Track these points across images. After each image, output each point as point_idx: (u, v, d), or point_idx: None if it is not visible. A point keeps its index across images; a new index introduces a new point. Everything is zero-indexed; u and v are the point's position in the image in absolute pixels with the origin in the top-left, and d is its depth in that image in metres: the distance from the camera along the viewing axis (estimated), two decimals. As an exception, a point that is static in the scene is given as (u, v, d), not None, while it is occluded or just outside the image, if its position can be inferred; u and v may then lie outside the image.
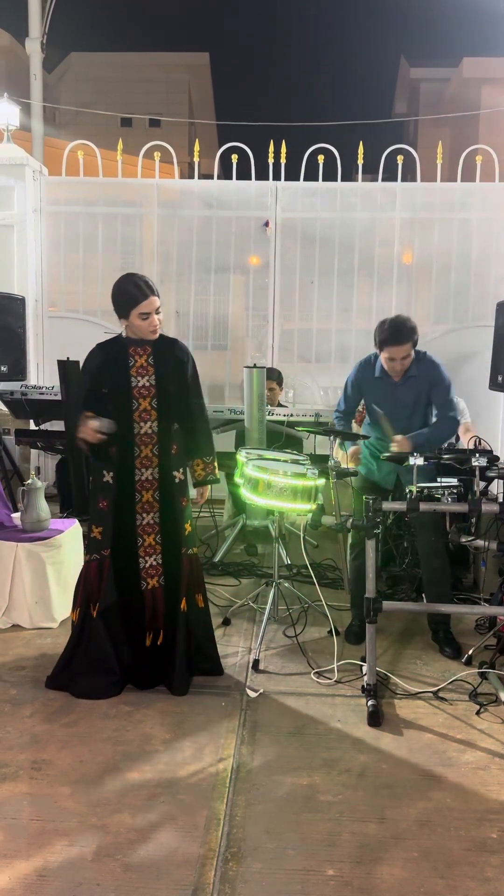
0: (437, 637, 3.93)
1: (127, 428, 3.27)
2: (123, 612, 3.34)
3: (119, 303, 3.23)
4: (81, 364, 3.48)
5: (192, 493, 3.49)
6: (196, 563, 3.43)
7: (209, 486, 3.47)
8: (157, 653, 3.35)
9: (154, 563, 3.36)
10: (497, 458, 3.40)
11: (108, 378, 3.29)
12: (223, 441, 5.90)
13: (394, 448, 3.73)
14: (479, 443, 3.80)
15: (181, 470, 3.37)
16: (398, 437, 3.76)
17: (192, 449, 3.40)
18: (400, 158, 6.39)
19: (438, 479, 3.44)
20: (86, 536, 3.45)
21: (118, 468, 3.30)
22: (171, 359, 3.33)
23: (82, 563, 4.32)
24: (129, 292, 3.20)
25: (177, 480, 3.35)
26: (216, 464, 3.45)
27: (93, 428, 3.18)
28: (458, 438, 5.19)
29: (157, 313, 3.24)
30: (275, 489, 3.59)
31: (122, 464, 3.29)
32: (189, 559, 3.37)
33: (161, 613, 3.36)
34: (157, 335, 3.29)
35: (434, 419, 3.93)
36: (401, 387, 3.89)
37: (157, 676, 3.36)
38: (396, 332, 3.73)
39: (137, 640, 3.35)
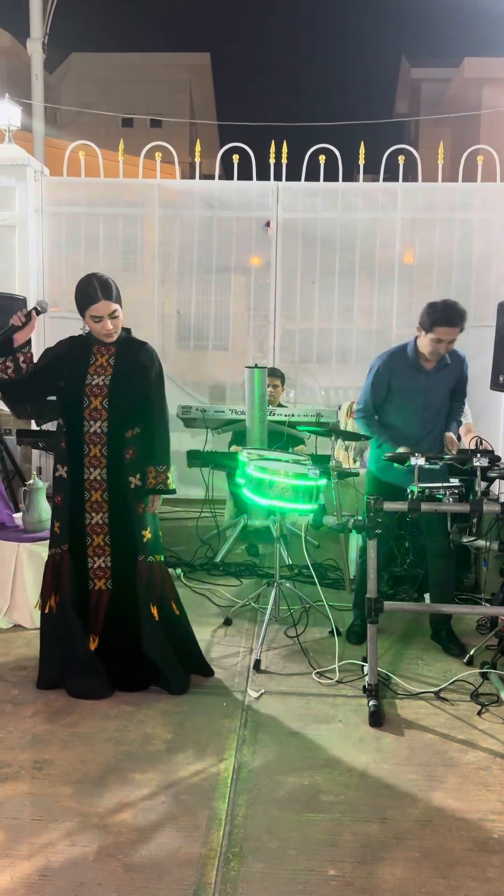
0: (439, 637, 3.93)
1: (77, 425, 3.25)
2: (80, 611, 3.31)
3: (76, 301, 3.24)
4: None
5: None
6: (159, 571, 3.33)
7: (160, 497, 3.35)
8: (107, 656, 3.30)
9: (102, 564, 3.31)
10: (498, 459, 3.40)
11: (66, 371, 3.27)
12: (224, 442, 5.91)
13: (451, 449, 3.71)
14: (481, 443, 3.80)
15: (138, 475, 3.28)
16: (450, 437, 3.77)
17: (147, 455, 3.30)
18: (401, 159, 6.39)
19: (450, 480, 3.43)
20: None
21: (69, 464, 3.29)
22: (134, 361, 3.29)
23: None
24: (86, 293, 3.19)
25: (132, 486, 3.27)
26: (169, 474, 3.32)
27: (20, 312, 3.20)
28: (459, 438, 5.19)
29: (113, 317, 3.18)
30: (276, 489, 3.59)
31: (72, 460, 3.27)
32: (149, 567, 3.30)
33: (101, 618, 3.30)
34: (113, 339, 3.25)
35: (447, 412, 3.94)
36: (434, 376, 3.84)
37: (119, 679, 3.32)
38: (452, 312, 3.67)
39: (83, 640, 3.31)
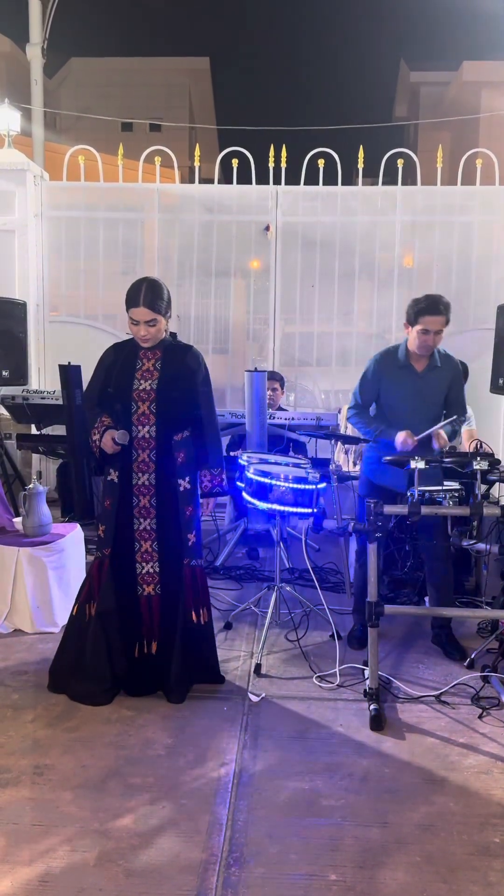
0: (440, 640, 3.93)
1: (126, 430, 3.26)
2: (120, 616, 3.31)
3: (125, 298, 3.25)
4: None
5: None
6: (199, 575, 3.36)
7: (213, 498, 3.42)
8: (152, 661, 3.32)
9: (151, 570, 3.32)
10: (498, 462, 3.40)
11: (114, 377, 3.29)
12: (223, 444, 5.92)
13: (437, 445, 3.66)
14: (481, 446, 3.80)
15: (187, 479, 3.30)
16: (438, 433, 3.69)
17: (199, 459, 3.34)
18: (400, 162, 6.41)
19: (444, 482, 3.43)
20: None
21: (120, 469, 3.30)
22: (180, 365, 3.29)
23: (83, 568, 4.37)
24: (131, 294, 3.21)
25: (181, 489, 3.29)
26: (224, 476, 3.39)
27: (112, 439, 3.18)
28: (460, 442, 5.19)
29: (150, 325, 3.18)
30: (276, 493, 3.59)
31: (122, 465, 3.29)
32: (192, 571, 3.32)
33: (156, 623, 3.32)
34: (148, 344, 3.25)
35: (444, 416, 3.92)
36: (424, 378, 3.84)
37: (151, 684, 3.32)
38: (435, 302, 3.73)
39: (135, 644, 3.33)
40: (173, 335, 3.42)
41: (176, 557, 3.31)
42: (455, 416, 3.77)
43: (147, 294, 3.17)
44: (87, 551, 4.61)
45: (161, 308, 3.21)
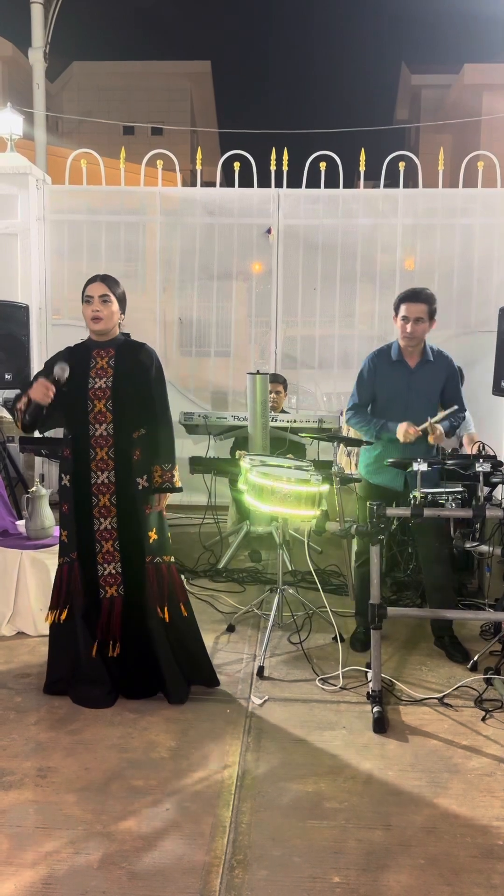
0: (442, 643, 3.92)
1: (82, 429, 3.24)
2: (89, 620, 3.29)
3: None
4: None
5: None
6: (167, 572, 3.30)
7: (167, 495, 3.33)
8: (120, 664, 3.29)
9: (113, 570, 3.28)
10: (501, 464, 3.40)
11: (70, 377, 3.24)
12: (226, 447, 5.92)
13: (432, 437, 3.66)
14: (483, 448, 3.80)
15: (145, 476, 3.27)
16: (433, 424, 3.66)
17: (152, 455, 3.30)
18: (402, 165, 6.41)
19: (442, 483, 3.43)
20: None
21: (74, 471, 3.28)
22: (134, 362, 3.29)
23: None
24: (88, 279, 3.29)
25: (140, 487, 3.26)
26: (175, 472, 3.31)
27: (45, 382, 3.11)
28: (461, 445, 5.19)
29: (104, 301, 3.21)
30: (279, 495, 3.59)
31: (78, 466, 3.26)
32: (156, 568, 3.27)
33: (117, 624, 3.27)
34: (100, 326, 3.23)
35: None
36: (417, 373, 3.85)
37: (138, 688, 3.30)
38: (415, 291, 3.83)
39: (99, 650, 3.29)
40: (126, 335, 3.41)
41: (138, 556, 3.28)
42: (455, 407, 3.77)
43: (104, 275, 3.29)
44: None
45: (115, 291, 3.26)
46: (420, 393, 3.85)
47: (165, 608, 3.27)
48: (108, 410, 3.23)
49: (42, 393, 3.11)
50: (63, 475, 3.32)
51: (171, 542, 3.42)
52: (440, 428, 3.69)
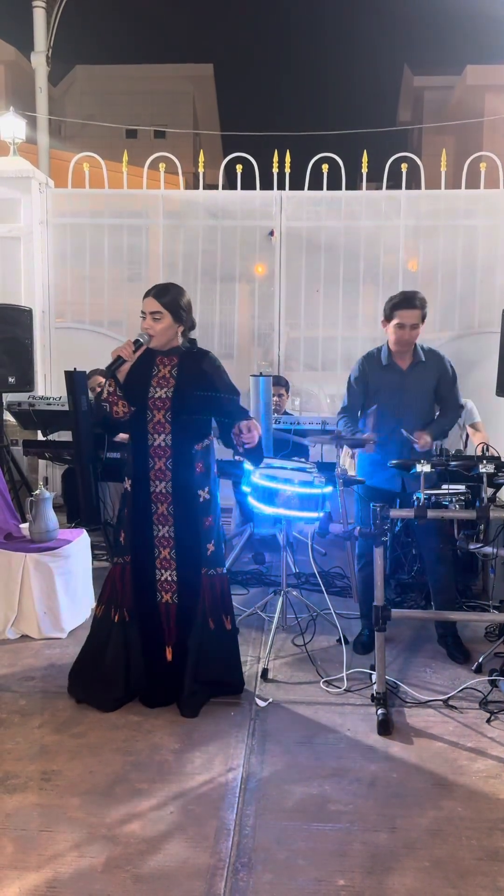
0: (445, 642, 3.92)
1: (142, 438, 3.24)
2: (142, 624, 3.30)
3: None
4: None
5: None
6: (218, 584, 3.32)
7: (253, 423, 3.23)
8: (170, 670, 3.29)
9: (169, 577, 3.30)
10: (504, 465, 3.39)
11: (129, 384, 3.27)
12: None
13: (419, 445, 3.66)
14: (487, 449, 3.79)
15: (206, 489, 3.27)
16: (419, 433, 3.69)
17: (226, 426, 3.26)
18: (404, 166, 6.41)
19: (444, 485, 3.42)
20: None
21: (134, 477, 3.29)
22: (197, 372, 3.26)
23: (90, 573, 4.37)
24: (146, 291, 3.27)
25: (200, 500, 3.26)
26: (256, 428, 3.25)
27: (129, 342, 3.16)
28: (467, 437, 5.19)
29: (156, 319, 3.19)
30: (282, 497, 3.59)
31: (138, 474, 3.27)
32: (210, 580, 3.28)
33: (174, 631, 3.30)
34: (153, 341, 3.22)
35: (438, 413, 3.92)
36: (409, 375, 3.85)
37: (168, 696, 3.28)
38: (409, 295, 3.79)
39: (154, 653, 3.31)
40: (192, 342, 3.37)
41: (194, 567, 3.28)
42: (447, 420, 3.77)
43: (158, 289, 3.24)
44: (94, 557, 4.62)
45: (169, 304, 3.21)
46: (414, 394, 3.85)
47: (217, 618, 3.29)
48: (167, 421, 3.21)
49: (127, 351, 3.15)
50: (126, 479, 3.32)
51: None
52: (426, 437, 3.69)
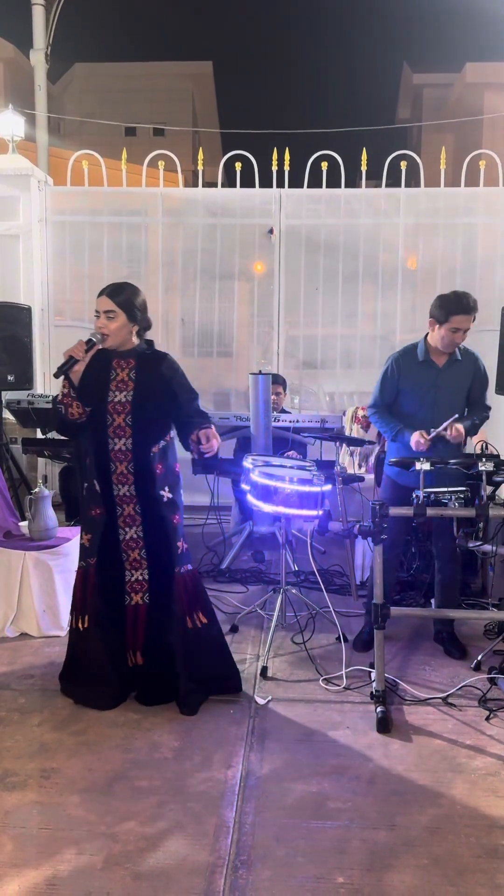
0: (441, 638, 3.93)
1: (101, 442, 3.20)
2: (111, 625, 3.28)
3: None
4: None
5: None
6: (192, 580, 3.31)
7: (212, 432, 3.20)
8: (146, 672, 3.29)
9: (140, 577, 3.28)
10: (504, 463, 3.39)
11: (87, 388, 3.21)
12: (227, 447, 5.91)
13: (451, 436, 3.62)
14: (486, 447, 3.79)
15: (167, 488, 3.23)
16: (452, 423, 3.63)
17: (187, 432, 3.24)
18: (403, 164, 6.41)
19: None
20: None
21: (98, 480, 3.23)
22: (155, 375, 3.24)
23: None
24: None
25: (164, 499, 3.23)
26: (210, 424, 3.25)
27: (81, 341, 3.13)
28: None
29: (110, 318, 3.15)
30: (281, 495, 3.58)
31: (101, 477, 3.22)
32: (183, 578, 3.26)
33: (141, 633, 3.27)
34: (107, 341, 3.18)
35: (466, 410, 3.89)
36: (445, 372, 3.82)
37: (160, 695, 3.28)
38: (466, 300, 3.71)
39: (122, 657, 3.30)
40: (149, 343, 3.34)
41: (166, 566, 3.26)
42: (455, 416, 3.75)
43: (113, 288, 3.20)
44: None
45: (123, 303, 3.16)
46: (447, 392, 3.82)
47: (197, 616, 3.27)
48: (127, 425, 3.17)
49: (79, 351, 3.12)
50: (95, 481, 3.25)
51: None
52: (460, 427, 3.66)
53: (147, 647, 3.28)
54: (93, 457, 3.24)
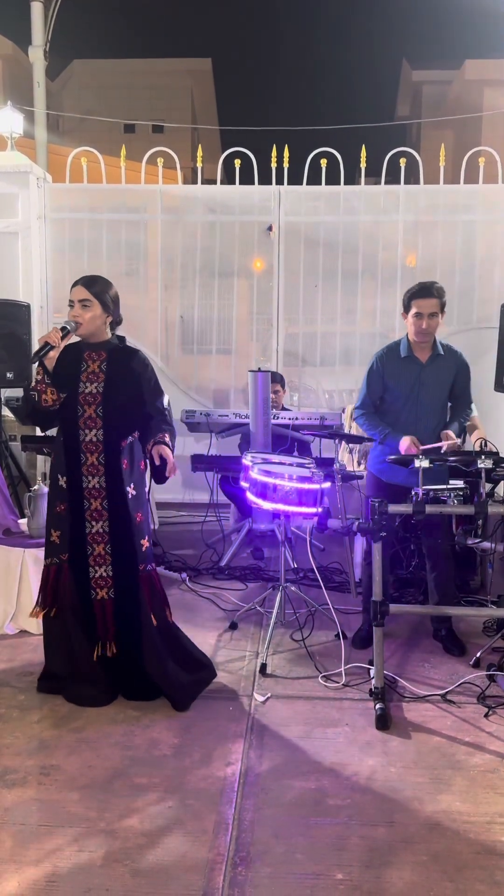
0: (439, 635, 3.93)
1: (72, 433, 3.22)
2: (83, 618, 3.29)
3: None
4: None
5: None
6: (155, 580, 3.31)
7: (165, 447, 3.18)
8: (118, 665, 3.28)
9: (104, 573, 3.27)
10: (503, 460, 3.40)
11: (59, 379, 3.23)
12: (227, 445, 5.92)
13: (447, 444, 3.64)
14: (485, 444, 3.80)
15: (132, 485, 3.25)
16: (445, 433, 3.69)
17: (146, 438, 3.27)
18: (403, 161, 6.40)
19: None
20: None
21: (67, 474, 3.25)
22: (126, 369, 3.26)
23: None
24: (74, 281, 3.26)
25: (129, 496, 3.23)
26: (167, 438, 3.22)
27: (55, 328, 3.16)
28: (463, 438, 5.19)
29: (85, 306, 3.19)
30: (280, 493, 3.59)
31: (70, 470, 3.24)
32: (148, 576, 3.27)
33: (111, 626, 3.27)
34: (80, 329, 3.21)
35: (450, 408, 3.90)
36: (427, 368, 3.83)
37: (136, 689, 3.30)
38: (426, 285, 3.79)
39: (91, 650, 3.30)
40: (121, 339, 3.37)
41: (130, 563, 3.25)
42: (453, 420, 3.76)
43: (87, 279, 3.25)
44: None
45: (98, 294, 3.21)
46: (431, 388, 3.83)
47: (162, 614, 3.29)
48: (98, 416, 3.20)
49: (54, 337, 3.14)
50: (59, 476, 3.28)
51: (171, 541, 3.41)
52: (452, 434, 3.68)
53: (118, 639, 3.28)
54: (62, 450, 3.27)
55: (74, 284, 3.25)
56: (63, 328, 3.20)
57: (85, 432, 3.21)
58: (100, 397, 3.21)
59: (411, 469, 3.72)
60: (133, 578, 3.26)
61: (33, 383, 3.24)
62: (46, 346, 3.16)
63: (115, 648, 3.27)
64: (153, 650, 3.25)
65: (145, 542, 3.28)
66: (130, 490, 3.25)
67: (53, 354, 3.18)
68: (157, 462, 3.21)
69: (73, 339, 3.31)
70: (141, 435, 3.32)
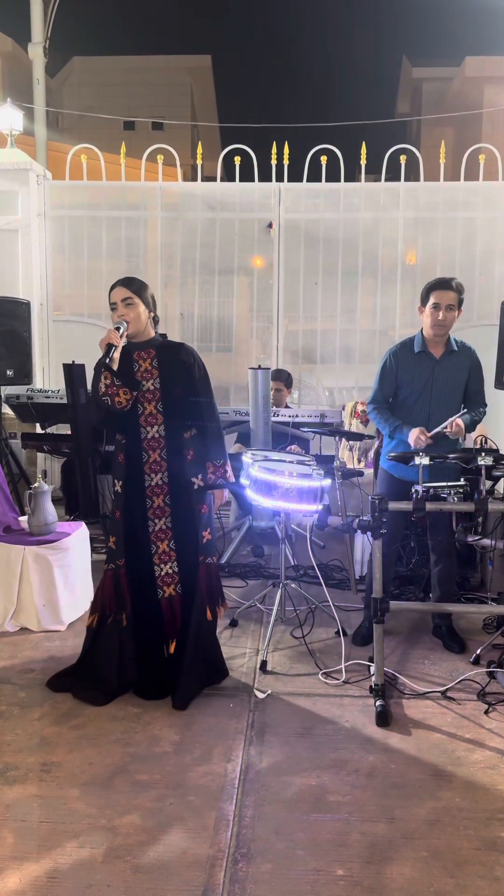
0: (440, 632, 3.94)
1: (134, 433, 3.25)
2: (140, 623, 3.30)
3: None
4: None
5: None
6: (214, 572, 3.35)
7: (224, 490, 3.40)
8: (170, 663, 3.30)
9: (170, 570, 3.30)
10: (503, 458, 3.39)
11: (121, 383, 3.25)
12: (228, 443, 5.92)
13: (450, 432, 3.63)
14: (486, 441, 3.79)
15: (199, 476, 3.28)
16: (452, 419, 3.65)
17: (203, 453, 3.32)
18: (403, 158, 6.40)
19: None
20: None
21: (127, 474, 3.27)
22: (176, 362, 3.29)
23: (89, 566, 4.37)
24: (109, 289, 3.26)
25: (195, 486, 3.27)
26: (228, 467, 3.35)
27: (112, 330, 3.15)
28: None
29: (128, 304, 3.18)
30: (281, 490, 3.59)
31: (131, 469, 3.27)
32: (207, 568, 3.30)
33: (179, 622, 3.31)
34: (131, 329, 3.20)
35: (463, 405, 3.88)
36: (442, 363, 3.81)
37: (166, 688, 3.29)
38: (444, 278, 3.79)
39: (153, 651, 3.31)
40: (163, 335, 3.40)
41: (192, 555, 3.29)
42: (465, 411, 3.74)
43: (124, 279, 3.26)
44: (93, 549, 4.62)
45: (138, 291, 3.22)
46: (444, 384, 3.81)
47: (216, 608, 3.33)
48: (159, 412, 3.23)
49: (115, 336, 3.12)
50: (115, 481, 3.30)
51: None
52: (460, 422, 3.66)
53: (181, 636, 3.30)
54: (124, 451, 3.27)
55: (113, 287, 3.24)
56: (117, 327, 3.18)
57: (147, 430, 3.24)
58: (158, 393, 3.24)
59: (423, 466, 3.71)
60: (195, 571, 3.29)
61: (103, 389, 3.18)
62: (111, 348, 3.14)
63: (174, 647, 3.29)
64: (196, 646, 3.27)
65: (206, 535, 3.31)
66: (196, 481, 3.28)
67: (116, 356, 3.16)
68: (218, 502, 3.36)
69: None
70: (198, 431, 3.33)
